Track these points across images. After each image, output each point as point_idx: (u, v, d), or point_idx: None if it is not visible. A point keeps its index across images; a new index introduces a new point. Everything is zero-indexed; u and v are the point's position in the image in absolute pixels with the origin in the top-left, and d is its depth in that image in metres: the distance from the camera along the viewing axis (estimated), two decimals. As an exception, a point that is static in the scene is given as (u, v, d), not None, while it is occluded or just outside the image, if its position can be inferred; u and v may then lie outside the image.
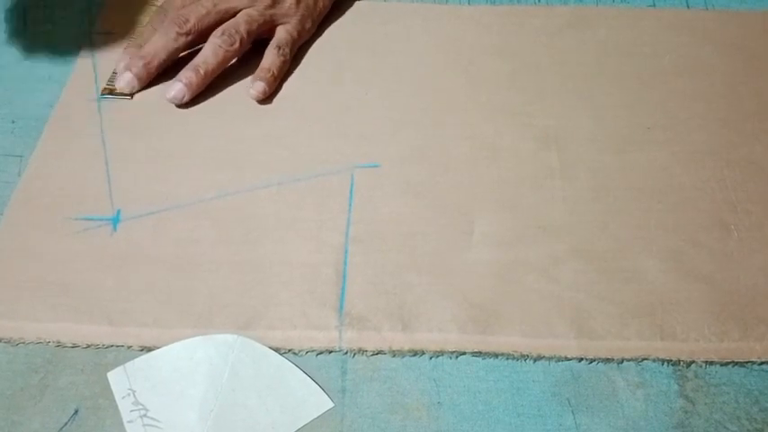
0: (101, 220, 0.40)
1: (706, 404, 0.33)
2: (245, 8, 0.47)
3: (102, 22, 0.51)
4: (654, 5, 0.54)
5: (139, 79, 0.45)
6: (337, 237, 0.39)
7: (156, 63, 0.45)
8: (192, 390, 0.33)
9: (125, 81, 0.45)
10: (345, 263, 0.38)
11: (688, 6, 0.53)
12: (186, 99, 0.45)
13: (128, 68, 0.45)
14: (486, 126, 0.45)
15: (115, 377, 0.34)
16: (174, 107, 0.45)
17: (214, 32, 0.46)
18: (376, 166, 0.43)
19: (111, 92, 0.45)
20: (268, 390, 0.33)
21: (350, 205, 0.41)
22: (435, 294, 0.37)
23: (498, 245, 0.39)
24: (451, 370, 0.34)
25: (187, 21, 0.45)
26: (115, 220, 0.40)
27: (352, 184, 0.42)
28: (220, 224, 0.40)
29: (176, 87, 0.45)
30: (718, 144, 0.44)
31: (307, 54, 0.49)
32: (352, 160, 0.43)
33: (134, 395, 0.33)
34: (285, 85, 0.47)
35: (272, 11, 0.47)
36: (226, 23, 0.46)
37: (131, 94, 0.46)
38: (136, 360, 0.34)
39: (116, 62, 0.47)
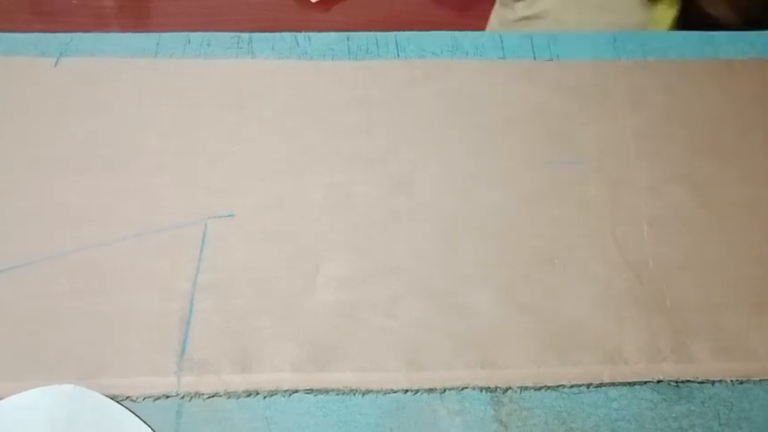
0: (-49, 278, 0.41)
1: (518, 427, 0.35)
2: None
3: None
4: (504, 57, 0.58)
5: None
6: (186, 285, 0.41)
7: None
8: (28, 441, 0.34)
9: None
10: (191, 310, 0.40)
11: (535, 58, 0.58)
12: None
13: None
14: (342, 174, 0.48)
15: (-47, 433, 0.35)
16: (31, 164, 0.47)
17: None
18: (231, 216, 0.45)
19: None
20: (104, 436, 0.34)
21: (201, 254, 0.43)
22: (278, 336, 0.39)
23: (343, 286, 0.41)
24: (284, 408, 0.36)
25: None
26: (-34, 279, 0.41)
27: (204, 234, 0.44)
28: (75, 278, 0.41)
29: None
30: (553, 185, 0.47)
31: (171, 110, 0.51)
32: (209, 211, 0.45)
33: (-31, 449, 0.34)
34: (147, 141, 0.49)
35: None
36: None
37: None
38: (-25, 414, 0.35)
39: None
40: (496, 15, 0.83)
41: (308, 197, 0.46)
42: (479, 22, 1.16)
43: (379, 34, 0.59)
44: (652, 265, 0.43)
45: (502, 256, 0.43)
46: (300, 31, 0.59)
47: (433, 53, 0.58)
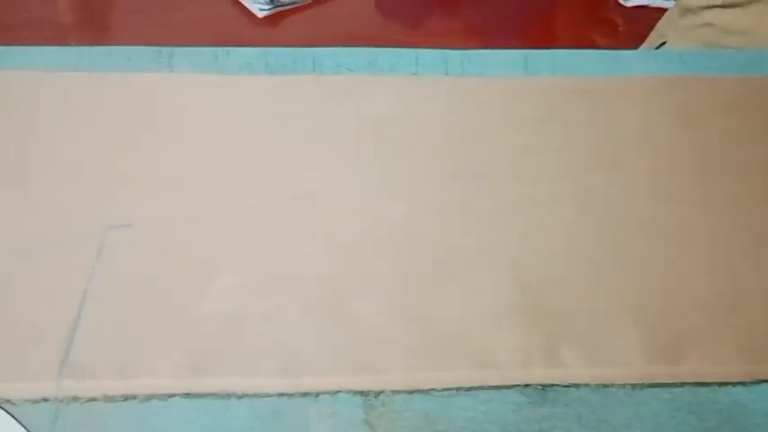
0: None
1: (385, 429, 0.37)
2: None
3: None
4: (417, 73, 0.59)
5: None
6: (77, 294, 0.42)
7: None
8: None
9: None
10: (79, 318, 0.41)
11: (447, 74, 0.59)
12: None
13: None
14: (245, 187, 0.49)
15: None
16: None
17: None
18: (130, 226, 0.46)
19: None
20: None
21: (96, 264, 0.44)
22: (161, 343, 0.40)
23: (232, 296, 0.43)
24: (160, 412, 0.37)
25: None
26: None
27: (102, 244, 0.45)
28: (-34, 285, 0.42)
29: None
30: (453, 199, 0.49)
31: (84, 123, 0.53)
32: (108, 221, 0.46)
33: None
34: (54, 152, 0.50)
35: None
36: None
37: None
38: None
39: None
40: (669, 25, 0.83)
41: (209, 209, 0.48)
42: (428, 40, 1.19)
43: (298, 50, 0.60)
44: (537, 275, 0.44)
45: (394, 268, 0.45)
46: (220, 47, 0.60)
47: (348, 69, 0.60)
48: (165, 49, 0.60)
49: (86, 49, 0.59)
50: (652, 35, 0.88)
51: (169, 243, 0.45)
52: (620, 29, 1.06)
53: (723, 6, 0.78)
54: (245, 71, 0.59)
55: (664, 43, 0.84)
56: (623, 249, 0.46)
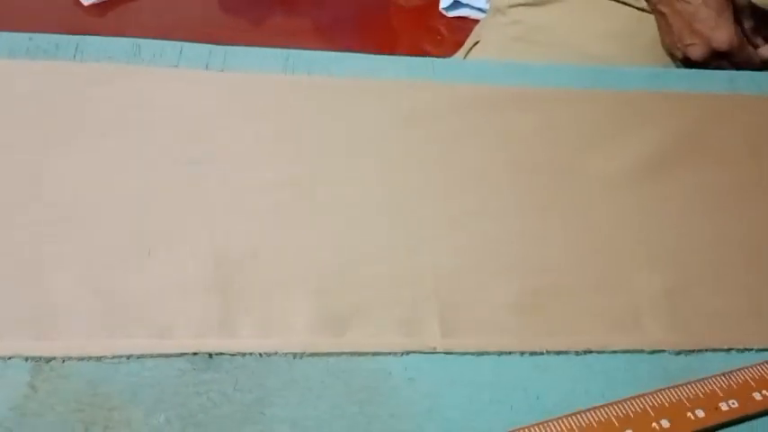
0: None
1: (47, 391, 0.39)
2: None
3: None
4: (178, 66, 0.62)
5: None
6: None
7: None
8: None
9: None
10: None
11: (207, 68, 0.62)
12: None
13: None
14: None
15: None
16: None
17: None
18: None
19: None
20: None
21: None
22: None
23: None
24: None
25: None
26: None
27: None
28: None
29: None
30: (172, 183, 0.52)
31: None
32: None
33: None
34: None
35: None
36: None
37: None
38: None
39: None
40: (483, 26, 0.88)
41: None
42: (269, 39, 1.22)
43: (60, 36, 0.62)
44: (233, 254, 0.48)
45: (93, 240, 0.47)
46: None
47: (110, 58, 0.62)
48: None
49: None
50: (468, 39, 0.94)
51: None
52: (439, 37, 1.12)
53: (527, 5, 0.85)
54: (4, 55, 0.60)
55: (477, 43, 0.91)
56: (316, 229, 0.50)
